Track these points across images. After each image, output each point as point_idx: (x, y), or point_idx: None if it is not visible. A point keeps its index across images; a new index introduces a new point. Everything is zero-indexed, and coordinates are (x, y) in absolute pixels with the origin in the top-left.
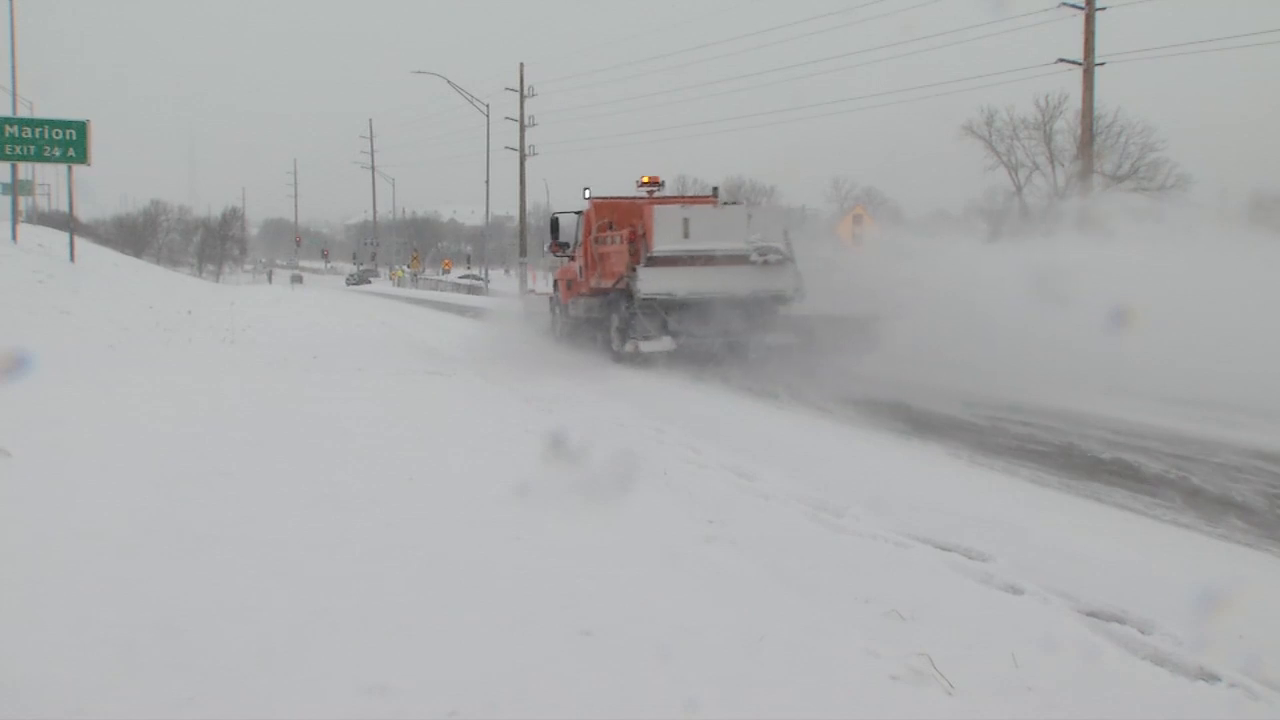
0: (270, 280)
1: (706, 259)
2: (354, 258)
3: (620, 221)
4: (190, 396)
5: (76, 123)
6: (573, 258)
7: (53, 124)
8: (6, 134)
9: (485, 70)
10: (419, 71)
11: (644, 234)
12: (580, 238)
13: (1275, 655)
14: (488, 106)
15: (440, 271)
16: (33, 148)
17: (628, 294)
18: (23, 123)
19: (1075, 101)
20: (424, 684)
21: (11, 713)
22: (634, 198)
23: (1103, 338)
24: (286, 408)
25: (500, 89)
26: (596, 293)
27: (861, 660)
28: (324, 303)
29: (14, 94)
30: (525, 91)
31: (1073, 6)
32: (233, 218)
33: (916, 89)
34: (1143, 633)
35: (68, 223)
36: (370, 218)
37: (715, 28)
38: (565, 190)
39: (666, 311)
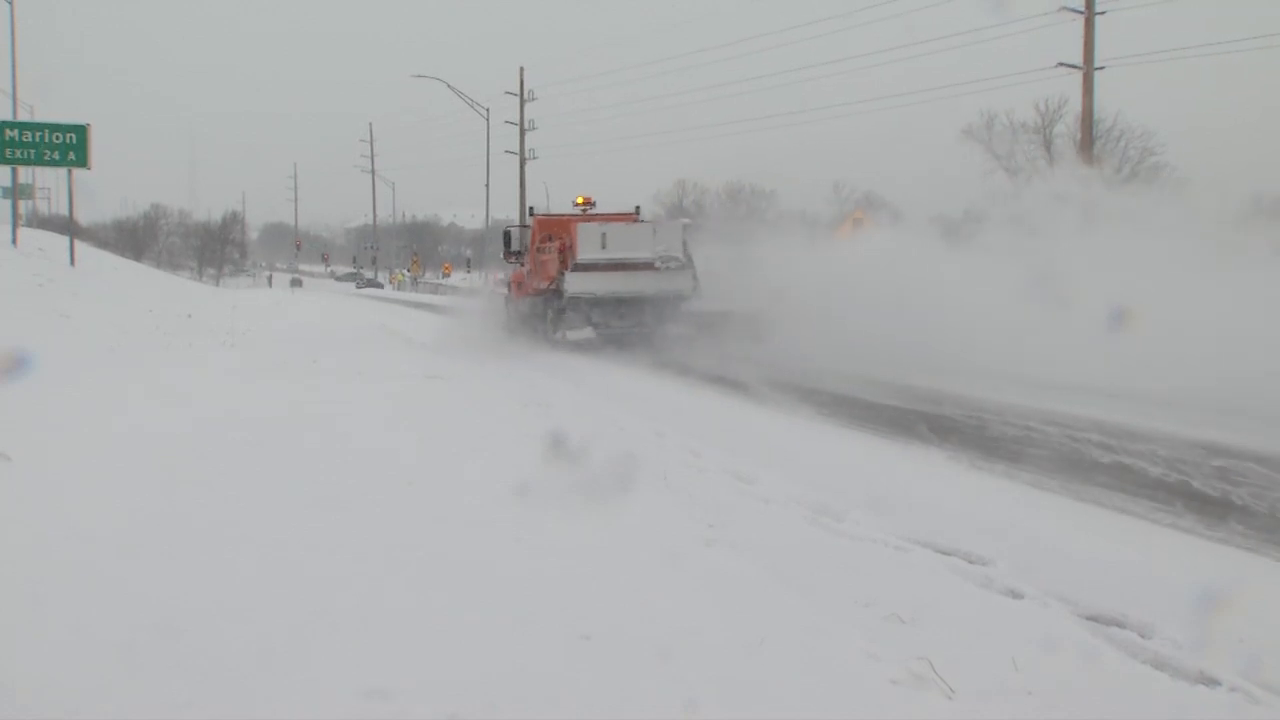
0: (270, 284)
1: (620, 265)
2: (354, 261)
3: (556, 234)
4: (190, 399)
5: (77, 126)
6: (523, 264)
7: (53, 127)
8: (7, 137)
9: (485, 73)
10: (419, 76)
11: (570, 246)
12: (528, 247)
13: (1275, 658)
14: (488, 110)
15: (441, 275)
16: (33, 151)
17: (559, 293)
18: (23, 126)
19: (1075, 105)
20: (424, 685)
21: (10, 713)
22: (570, 215)
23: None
24: (286, 410)
25: (500, 92)
26: (538, 292)
27: (862, 663)
28: (323, 306)
29: (14, 97)
30: (525, 95)
31: (1072, 11)
32: (233, 221)
33: (917, 93)
34: (1143, 636)
35: (68, 226)
36: (370, 221)
37: (716, 31)
38: (566, 194)
39: (589, 307)
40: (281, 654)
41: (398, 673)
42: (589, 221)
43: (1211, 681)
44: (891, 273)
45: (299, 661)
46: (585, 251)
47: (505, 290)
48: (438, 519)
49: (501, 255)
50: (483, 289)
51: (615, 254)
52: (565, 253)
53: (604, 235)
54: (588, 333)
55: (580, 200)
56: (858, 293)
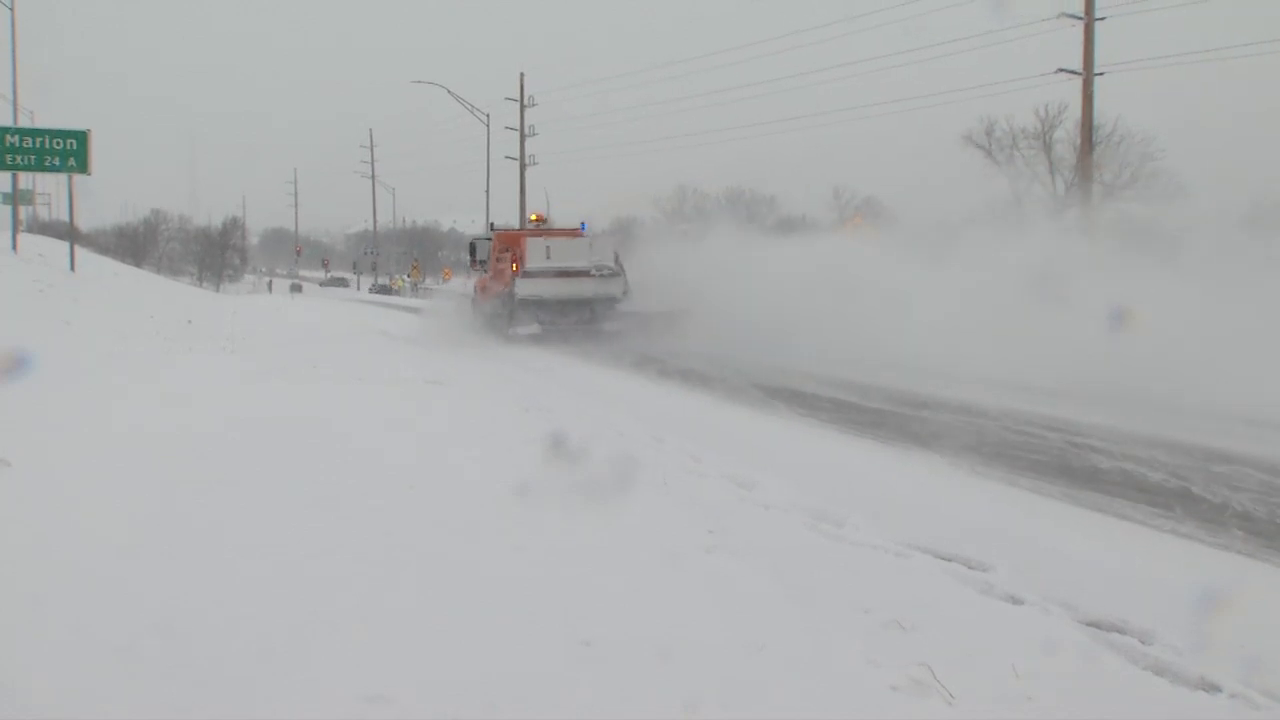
0: (270, 290)
1: (562, 273)
2: (354, 267)
3: (510, 247)
4: (190, 404)
5: (77, 132)
6: (486, 271)
7: (53, 133)
8: (7, 143)
9: (486, 79)
10: (419, 81)
11: (521, 256)
12: (490, 257)
13: (1276, 665)
14: (488, 116)
15: (442, 280)
16: (33, 157)
17: (512, 296)
18: (23, 132)
19: (1075, 111)
20: (424, 689)
21: (10, 713)
22: (524, 230)
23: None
24: (286, 415)
25: (501, 98)
26: (497, 295)
27: (862, 670)
28: (323, 312)
29: (14, 104)
30: (526, 101)
31: (1072, 17)
32: (233, 227)
33: (917, 99)
34: (1143, 643)
35: (68, 232)
36: (370, 227)
37: (716, 38)
38: (567, 199)
39: (536, 307)
40: (281, 658)
41: (398, 677)
42: (537, 236)
43: (1212, 688)
44: (801, 276)
45: (299, 666)
46: (532, 261)
47: (473, 293)
48: (438, 524)
49: (469, 264)
50: (452, 294)
51: (558, 263)
52: (517, 262)
53: (548, 248)
54: (534, 328)
55: (534, 217)
56: (773, 294)
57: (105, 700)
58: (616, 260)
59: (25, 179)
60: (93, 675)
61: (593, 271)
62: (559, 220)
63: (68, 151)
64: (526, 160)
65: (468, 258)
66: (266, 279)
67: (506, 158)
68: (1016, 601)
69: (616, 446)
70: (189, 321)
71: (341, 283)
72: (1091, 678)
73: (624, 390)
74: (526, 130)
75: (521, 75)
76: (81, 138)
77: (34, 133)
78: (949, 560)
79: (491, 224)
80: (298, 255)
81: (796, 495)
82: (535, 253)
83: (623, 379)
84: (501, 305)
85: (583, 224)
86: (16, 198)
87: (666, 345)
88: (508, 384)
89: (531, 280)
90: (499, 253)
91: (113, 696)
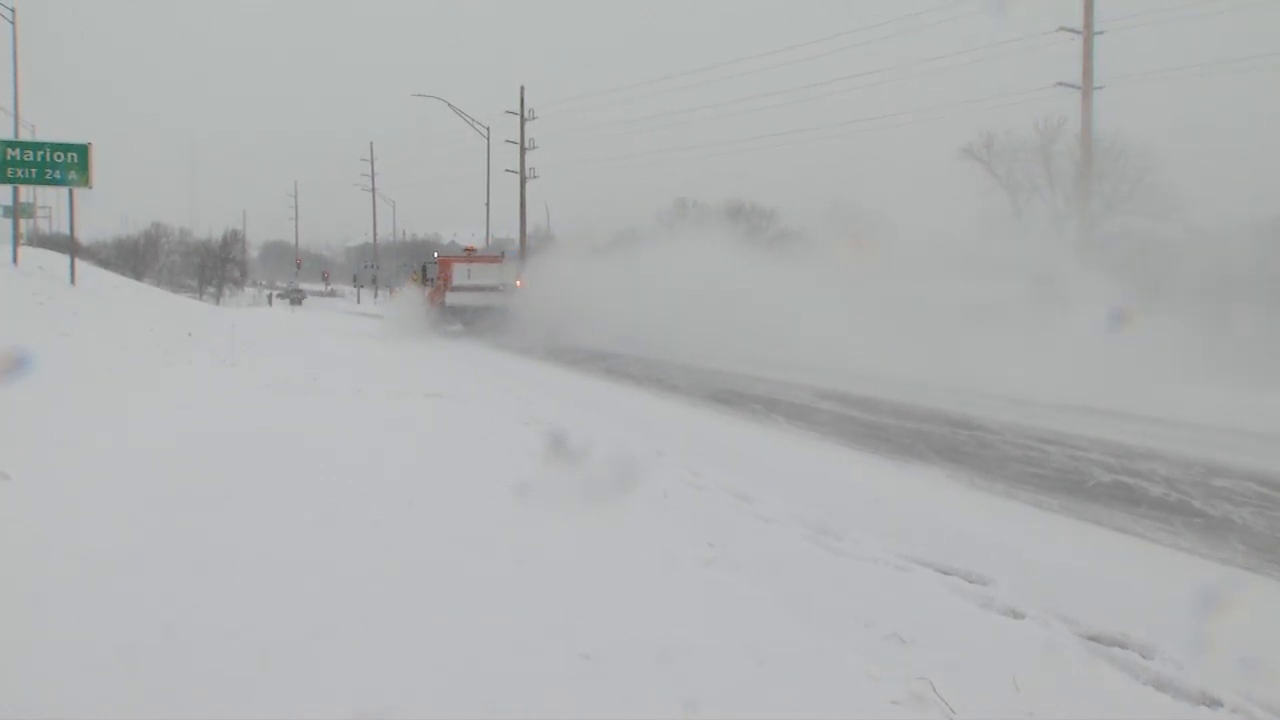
0: (270, 302)
1: (478, 288)
2: (354, 280)
3: (445, 268)
4: (190, 418)
5: (78, 146)
6: (434, 286)
7: (54, 147)
8: (8, 157)
9: (486, 92)
10: (419, 95)
11: (449, 276)
12: (437, 275)
13: (1277, 678)
14: (488, 129)
15: None
16: (34, 170)
17: (444, 304)
18: (24, 145)
19: (1074, 124)
20: (423, 696)
21: (10, 713)
22: (458, 256)
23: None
24: (287, 430)
25: (501, 111)
26: (437, 304)
27: (863, 684)
28: (323, 324)
29: (15, 117)
30: (526, 114)
31: (1071, 31)
32: (233, 240)
33: (917, 112)
34: (1144, 657)
35: (69, 245)
36: (370, 239)
37: (718, 49)
38: (567, 211)
39: (460, 312)
40: (280, 674)
41: (397, 683)
42: (464, 261)
43: (1213, 702)
44: (665, 281)
45: (298, 681)
46: (457, 280)
47: (425, 302)
48: (438, 538)
49: (422, 280)
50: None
51: (475, 281)
52: (446, 280)
53: (469, 270)
54: (458, 328)
55: (467, 248)
56: (637, 298)
57: (105, 700)
58: (518, 279)
59: (26, 192)
60: (92, 678)
61: (499, 287)
62: (559, 233)
63: (69, 165)
64: (526, 173)
65: (421, 275)
66: (267, 292)
67: (507, 170)
68: (1017, 615)
69: (611, 450)
70: (189, 334)
71: (298, 294)
72: (1092, 692)
73: (532, 370)
74: (527, 143)
75: (522, 88)
76: (83, 151)
77: (35, 146)
78: (949, 573)
79: (435, 252)
80: (298, 268)
81: (790, 505)
82: (460, 273)
83: (526, 361)
84: (439, 311)
85: (503, 252)
86: (17, 210)
87: (562, 340)
88: (505, 394)
89: (456, 293)
90: (440, 273)
91: (112, 697)
